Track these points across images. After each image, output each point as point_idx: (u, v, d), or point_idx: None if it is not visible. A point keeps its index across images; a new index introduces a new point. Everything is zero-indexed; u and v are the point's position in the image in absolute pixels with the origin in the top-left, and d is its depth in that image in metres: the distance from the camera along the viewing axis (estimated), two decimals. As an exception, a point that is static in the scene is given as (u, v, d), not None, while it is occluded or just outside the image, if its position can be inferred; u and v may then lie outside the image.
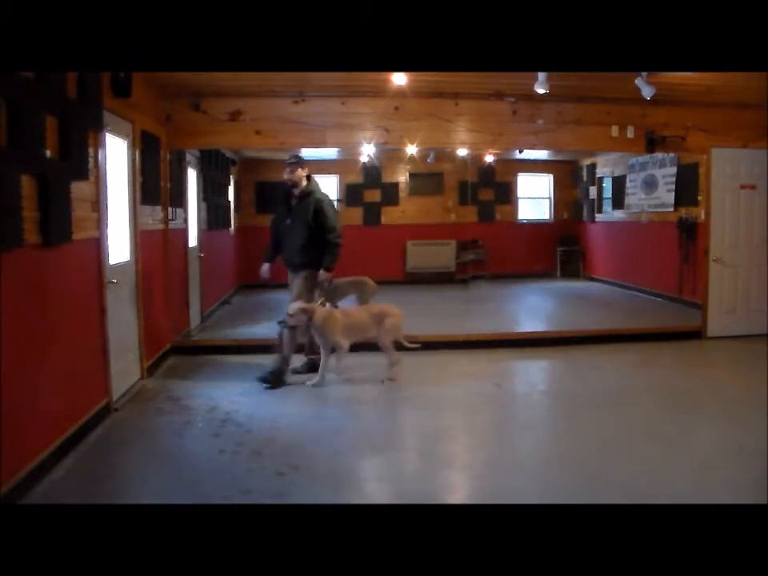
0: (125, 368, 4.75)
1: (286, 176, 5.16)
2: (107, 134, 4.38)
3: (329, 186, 12.06)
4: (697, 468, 3.43)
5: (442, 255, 11.99)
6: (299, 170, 5.17)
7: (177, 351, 6.13)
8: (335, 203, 13.10)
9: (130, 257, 5.00)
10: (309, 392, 4.99)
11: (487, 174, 12.03)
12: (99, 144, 4.18)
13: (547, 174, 12.57)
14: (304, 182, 5.23)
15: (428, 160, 10.80)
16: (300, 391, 5.01)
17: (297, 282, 5.16)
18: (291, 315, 4.91)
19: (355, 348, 5.31)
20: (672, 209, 8.89)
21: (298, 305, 4.93)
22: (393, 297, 10.21)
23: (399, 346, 5.41)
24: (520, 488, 3.24)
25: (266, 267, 5.38)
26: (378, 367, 5.43)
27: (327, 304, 8.35)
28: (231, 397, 4.77)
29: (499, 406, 4.75)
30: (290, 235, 5.15)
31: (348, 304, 7.21)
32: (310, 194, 5.18)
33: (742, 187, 6.79)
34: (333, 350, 5.15)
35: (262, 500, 2.97)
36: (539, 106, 6.34)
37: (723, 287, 6.81)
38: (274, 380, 5.05)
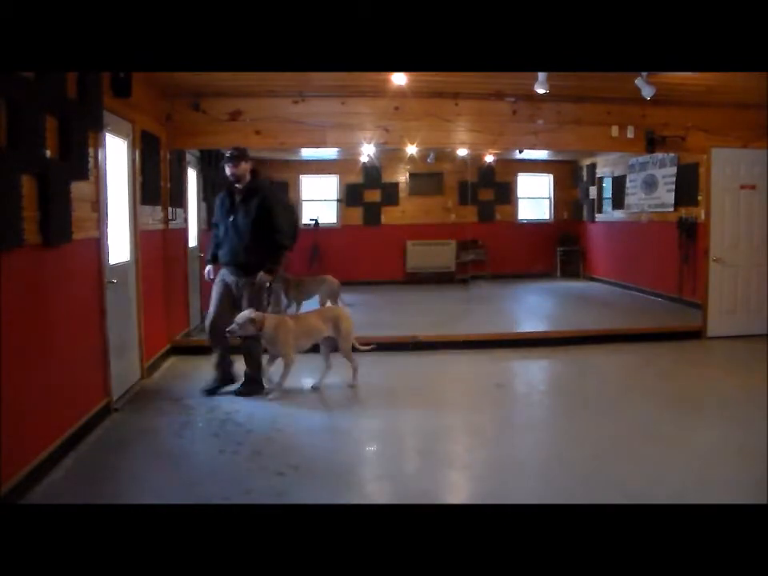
0: (125, 368, 4.75)
1: (228, 171, 4.71)
2: (107, 134, 4.38)
3: (329, 187, 12.09)
4: (697, 468, 3.43)
5: (442, 255, 11.99)
6: (242, 163, 4.72)
7: (177, 351, 6.13)
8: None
9: (130, 257, 5.00)
10: (308, 392, 4.99)
11: (487, 174, 12.04)
12: (99, 144, 4.18)
13: (547, 173, 12.57)
14: (248, 177, 4.80)
15: (428, 160, 10.81)
16: (299, 392, 5.00)
17: (241, 286, 4.78)
18: (239, 325, 4.53)
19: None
20: (672, 209, 8.89)
21: (247, 314, 4.57)
22: (393, 297, 10.30)
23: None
24: (520, 488, 3.24)
25: (209, 269, 5.11)
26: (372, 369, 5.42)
27: (294, 304, 8.30)
28: (231, 397, 4.77)
29: (499, 405, 4.75)
30: (234, 234, 4.72)
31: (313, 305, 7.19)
32: (256, 191, 4.78)
33: (742, 187, 6.79)
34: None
35: (262, 500, 2.97)
36: (539, 105, 6.34)
37: (723, 287, 6.81)
38: (250, 390, 4.85)
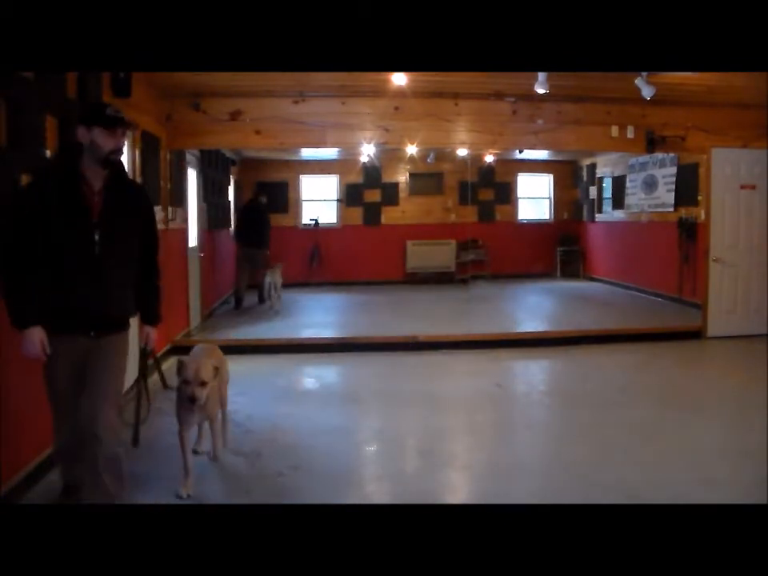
0: (125, 368, 4.74)
1: (101, 139, 2.51)
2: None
3: (329, 187, 12.09)
4: (697, 468, 3.42)
5: (442, 255, 11.99)
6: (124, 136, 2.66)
7: (177, 351, 6.13)
8: (335, 203, 13.36)
9: (130, 257, 4.99)
10: (308, 393, 4.99)
11: (487, 174, 12.04)
12: (99, 144, 4.17)
13: (547, 173, 12.57)
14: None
15: (428, 160, 10.81)
16: (299, 392, 5.01)
17: (104, 353, 2.65)
18: (202, 385, 3.07)
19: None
20: (672, 209, 8.89)
21: (208, 372, 3.08)
22: (393, 297, 10.30)
23: None
24: (520, 488, 3.24)
25: (38, 335, 2.50)
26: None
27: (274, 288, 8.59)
28: (231, 397, 4.76)
29: (499, 405, 4.75)
30: (93, 260, 2.56)
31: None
32: (132, 183, 2.95)
33: (742, 187, 6.79)
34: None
35: (262, 500, 2.98)
36: (539, 105, 6.34)
37: (723, 287, 6.81)
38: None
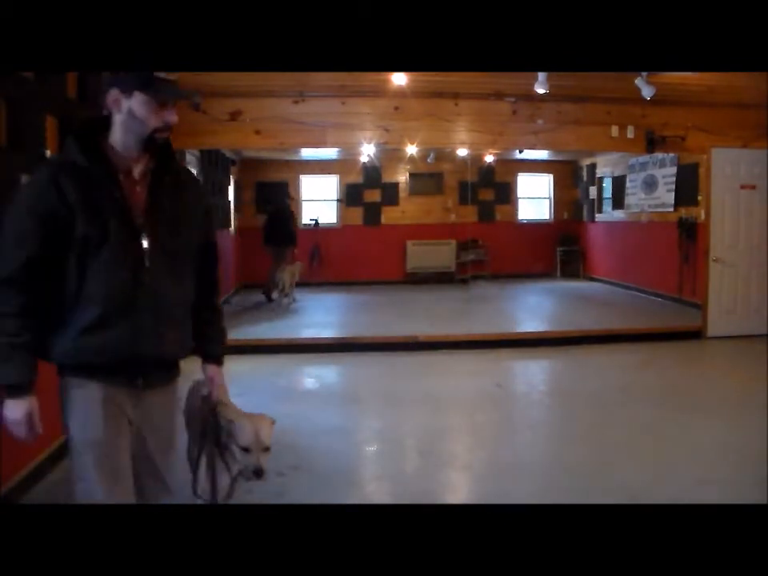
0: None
1: (145, 111, 1.71)
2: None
3: (329, 187, 12.09)
4: (697, 468, 3.43)
5: (441, 255, 11.99)
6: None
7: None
8: (335, 203, 13.46)
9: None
10: (308, 393, 4.99)
11: (487, 174, 12.04)
12: (99, 144, 4.17)
13: (547, 173, 12.58)
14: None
15: (428, 160, 10.81)
16: (300, 392, 5.01)
17: (156, 418, 1.88)
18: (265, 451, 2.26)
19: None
20: (672, 209, 8.89)
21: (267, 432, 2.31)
22: (393, 297, 10.29)
23: None
24: (520, 488, 3.24)
25: (28, 407, 1.71)
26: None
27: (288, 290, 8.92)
28: (231, 397, 4.77)
29: (499, 405, 4.75)
30: (139, 278, 1.76)
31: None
32: (184, 170, 2.08)
33: (742, 187, 6.79)
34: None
35: (262, 500, 2.98)
36: (539, 105, 6.34)
37: (723, 287, 6.81)
38: None
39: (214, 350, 2.03)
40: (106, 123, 1.76)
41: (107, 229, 1.69)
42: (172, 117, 1.75)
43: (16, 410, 1.68)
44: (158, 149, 1.79)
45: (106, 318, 1.71)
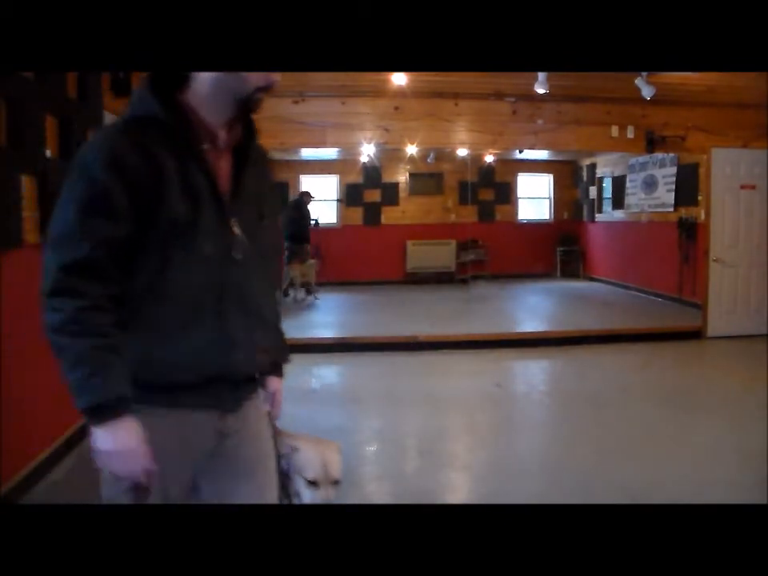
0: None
1: (257, 77, 1.36)
2: (107, 134, 4.37)
3: (329, 187, 12.08)
4: (697, 468, 3.43)
5: (441, 255, 12.00)
6: None
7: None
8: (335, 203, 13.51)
9: (130, 257, 5.00)
10: (309, 392, 4.98)
11: (487, 174, 12.04)
12: (99, 144, 4.17)
13: (547, 173, 12.58)
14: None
15: (428, 160, 10.82)
16: (300, 392, 5.00)
17: (250, 433, 1.50)
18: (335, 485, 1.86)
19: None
20: (672, 209, 8.89)
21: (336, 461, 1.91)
22: (393, 297, 10.30)
23: None
24: (520, 488, 3.24)
25: (137, 432, 1.26)
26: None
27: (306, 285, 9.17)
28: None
29: (499, 405, 4.75)
30: (231, 276, 1.38)
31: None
32: (261, 146, 1.52)
33: (742, 187, 6.80)
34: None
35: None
36: (539, 105, 6.35)
37: (723, 287, 6.81)
38: None
39: (282, 359, 1.64)
40: (183, 76, 1.38)
41: (199, 208, 1.32)
42: (276, 75, 1.40)
43: (117, 438, 1.23)
44: (247, 116, 1.42)
45: (190, 322, 1.32)
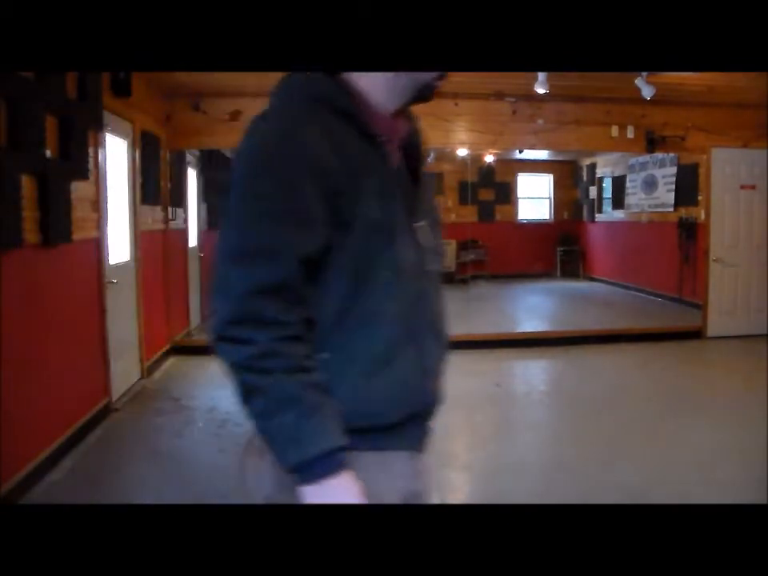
0: (125, 368, 4.75)
1: (428, 76, 1.19)
2: (107, 134, 4.38)
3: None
4: (697, 468, 3.43)
5: (441, 255, 12.01)
6: None
7: (177, 351, 6.13)
8: None
9: (130, 257, 5.00)
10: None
11: (487, 174, 12.04)
12: (99, 144, 4.18)
13: (547, 173, 12.58)
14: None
15: (428, 160, 10.82)
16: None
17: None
18: None
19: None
20: (672, 209, 8.89)
21: None
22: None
23: None
24: (520, 488, 3.24)
25: (357, 489, 1.06)
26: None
27: None
28: (231, 397, 4.77)
29: (499, 405, 4.75)
30: (424, 289, 1.25)
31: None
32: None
33: (742, 187, 6.80)
34: None
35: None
36: (539, 105, 6.35)
37: (723, 287, 6.81)
38: None
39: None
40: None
41: (393, 209, 1.10)
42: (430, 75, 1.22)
43: (337, 498, 1.05)
44: (416, 105, 1.22)
45: (394, 349, 1.11)
